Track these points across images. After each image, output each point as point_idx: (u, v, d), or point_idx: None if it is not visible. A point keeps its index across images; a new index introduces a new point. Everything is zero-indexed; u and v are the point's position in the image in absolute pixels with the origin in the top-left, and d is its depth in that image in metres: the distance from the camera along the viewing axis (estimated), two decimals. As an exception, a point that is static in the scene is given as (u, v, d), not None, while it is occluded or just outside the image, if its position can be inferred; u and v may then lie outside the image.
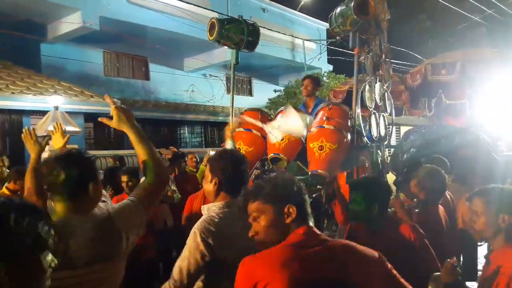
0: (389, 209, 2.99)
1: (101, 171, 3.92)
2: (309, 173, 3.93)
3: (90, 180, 1.86)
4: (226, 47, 5.03)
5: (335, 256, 1.63)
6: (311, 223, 1.73)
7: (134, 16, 12.85)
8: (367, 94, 4.38)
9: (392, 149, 6.65)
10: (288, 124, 3.86)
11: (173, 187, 5.57)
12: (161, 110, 15.04)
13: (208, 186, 2.31)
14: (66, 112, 10.27)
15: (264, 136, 4.25)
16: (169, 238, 5.22)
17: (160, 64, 16.20)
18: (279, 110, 4.46)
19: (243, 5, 15.97)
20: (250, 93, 20.51)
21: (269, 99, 17.21)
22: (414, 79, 6.72)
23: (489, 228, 2.09)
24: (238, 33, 4.67)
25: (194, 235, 2.10)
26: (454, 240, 3.48)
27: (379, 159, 4.55)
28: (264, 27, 13.38)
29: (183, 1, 12.16)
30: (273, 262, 1.57)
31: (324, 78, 17.27)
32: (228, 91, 17.62)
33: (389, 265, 1.72)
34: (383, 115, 4.68)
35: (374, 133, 4.40)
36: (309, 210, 1.76)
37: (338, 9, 4.38)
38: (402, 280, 1.74)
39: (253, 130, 4.28)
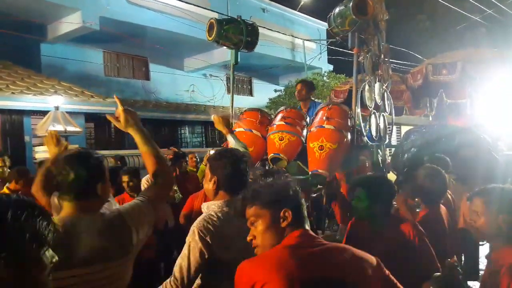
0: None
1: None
2: (310, 173, 3.94)
3: (99, 180, 1.88)
4: (226, 47, 5.03)
5: (331, 257, 1.63)
6: (307, 227, 1.74)
7: (134, 16, 12.86)
8: (366, 94, 4.39)
9: (393, 149, 6.65)
10: None
11: (174, 187, 5.57)
12: (161, 110, 15.04)
13: (208, 185, 2.33)
14: (67, 112, 10.28)
15: (264, 136, 4.26)
16: (170, 238, 5.22)
17: (160, 64, 16.20)
18: (279, 110, 4.47)
19: (243, 5, 15.97)
20: (250, 93, 20.51)
21: (270, 99, 17.21)
22: (415, 79, 6.73)
23: (490, 228, 2.09)
24: (237, 33, 4.68)
25: (193, 233, 2.12)
26: (455, 240, 3.48)
27: (380, 158, 4.56)
28: (264, 27, 13.41)
29: (183, 1, 12.16)
30: (269, 263, 1.59)
31: (325, 78, 17.28)
32: (228, 91, 17.60)
33: (387, 271, 1.71)
34: (383, 115, 4.69)
35: (374, 132, 4.41)
36: (305, 213, 1.76)
37: (337, 10, 4.39)
38: (400, 286, 1.74)
39: (253, 130, 4.29)
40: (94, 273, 1.72)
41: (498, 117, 6.85)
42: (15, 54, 11.83)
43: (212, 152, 4.49)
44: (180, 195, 5.52)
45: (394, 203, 3.28)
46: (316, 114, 4.24)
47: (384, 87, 4.74)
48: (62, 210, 1.86)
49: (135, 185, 4.71)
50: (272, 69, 19.01)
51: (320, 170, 3.78)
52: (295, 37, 17.54)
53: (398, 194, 3.56)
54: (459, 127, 6.15)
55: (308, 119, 4.43)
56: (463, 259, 4.41)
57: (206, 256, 2.08)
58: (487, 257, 2.16)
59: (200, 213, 2.33)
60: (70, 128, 9.73)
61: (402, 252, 2.54)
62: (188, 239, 2.13)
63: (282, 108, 4.50)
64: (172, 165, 6.36)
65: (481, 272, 2.80)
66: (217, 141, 16.78)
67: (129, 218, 1.88)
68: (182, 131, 16.87)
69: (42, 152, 10.15)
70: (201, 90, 17.36)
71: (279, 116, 4.29)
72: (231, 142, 3.27)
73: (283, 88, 17.66)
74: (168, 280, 2.09)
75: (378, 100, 4.57)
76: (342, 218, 3.92)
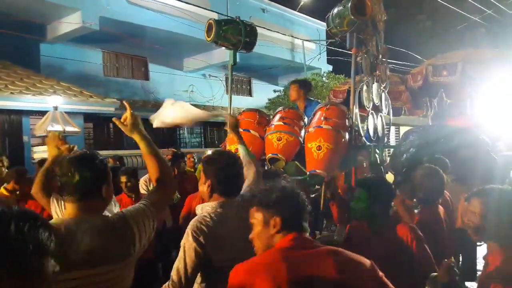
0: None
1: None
2: (307, 173, 3.93)
3: (104, 182, 1.89)
4: (224, 47, 5.03)
5: (323, 260, 1.63)
6: (304, 230, 1.74)
7: (134, 16, 12.85)
8: (364, 94, 4.39)
9: (392, 149, 6.65)
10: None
11: (173, 187, 5.56)
12: (160, 110, 15.00)
13: (202, 187, 2.35)
14: (66, 112, 10.28)
15: (262, 137, 4.25)
16: (168, 238, 5.22)
17: (159, 64, 16.20)
18: (277, 110, 4.47)
19: (243, 5, 15.97)
20: (249, 94, 20.51)
21: (269, 99, 17.21)
22: (415, 80, 6.72)
23: (487, 229, 2.08)
24: (235, 34, 4.68)
25: (187, 235, 2.13)
26: (453, 240, 3.48)
27: (378, 159, 4.55)
28: (264, 28, 13.43)
29: (182, 2, 12.15)
30: (259, 267, 1.63)
31: (324, 78, 17.28)
32: (227, 91, 17.62)
33: (381, 274, 1.70)
34: (380, 115, 4.69)
35: (372, 133, 4.41)
36: (303, 216, 1.76)
37: (335, 10, 4.39)
38: None
39: (251, 130, 4.29)
40: (96, 275, 1.72)
41: (498, 118, 6.84)
42: (14, 54, 11.83)
43: (209, 153, 4.46)
44: (179, 196, 5.51)
45: (393, 206, 3.28)
46: (314, 114, 4.24)
47: (382, 87, 4.73)
48: (66, 211, 1.86)
49: (133, 186, 4.70)
50: (271, 70, 19.01)
51: (318, 170, 3.77)
52: (295, 37, 17.54)
53: (396, 194, 3.56)
54: (458, 128, 6.14)
55: (306, 119, 4.42)
56: (461, 259, 4.42)
57: (201, 257, 2.08)
58: (484, 257, 2.16)
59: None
60: (68, 128, 9.73)
61: (401, 253, 2.54)
62: (183, 241, 2.14)
63: (280, 108, 4.50)
64: (171, 165, 6.35)
65: (479, 273, 2.80)
66: (216, 142, 16.80)
67: (133, 221, 1.89)
68: (181, 132, 16.87)
69: (41, 152, 10.16)
70: (200, 90, 17.35)
71: (277, 117, 4.29)
72: (241, 153, 3.03)
73: (283, 88, 17.65)
74: (166, 284, 2.10)
75: (376, 101, 4.57)
76: (339, 219, 3.91)
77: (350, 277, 1.61)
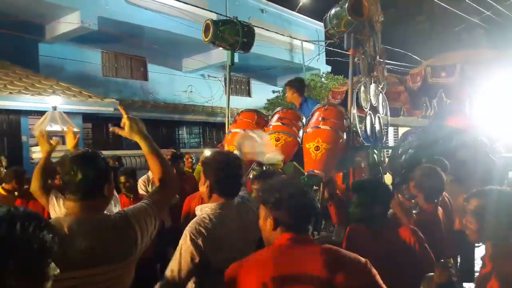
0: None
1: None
2: (305, 173, 3.93)
3: (106, 181, 1.89)
4: (222, 48, 5.02)
5: (313, 257, 1.65)
6: (303, 230, 1.75)
7: (133, 16, 12.84)
8: (362, 95, 4.39)
9: (390, 150, 6.65)
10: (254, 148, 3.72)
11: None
12: (159, 111, 15.03)
13: (202, 188, 2.35)
14: (65, 112, 10.27)
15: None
16: (167, 239, 5.21)
17: (158, 65, 16.19)
18: (275, 111, 4.47)
19: (242, 6, 15.97)
20: (248, 94, 20.52)
21: (268, 100, 17.21)
22: (414, 81, 6.74)
23: (485, 230, 2.08)
24: (233, 34, 4.67)
25: (185, 237, 2.13)
26: (451, 241, 3.48)
27: (376, 159, 4.56)
28: (263, 28, 13.44)
29: (181, 2, 12.15)
30: (250, 262, 1.70)
31: (323, 79, 17.30)
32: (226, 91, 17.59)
33: (375, 273, 1.70)
34: (378, 116, 4.69)
35: (370, 133, 4.41)
36: (303, 217, 1.76)
37: (333, 11, 4.38)
38: None
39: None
40: (97, 274, 1.71)
41: (497, 118, 6.85)
42: (13, 54, 11.82)
43: (207, 152, 4.45)
44: (177, 196, 5.51)
45: (391, 209, 3.28)
46: (312, 115, 4.24)
47: (379, 88, 4.74)
48: (68, 210, 1.86)
49: (132, 186, 4.70)
50: (270, 70, 19.01)
51: (316, 171, 3.77)
52: (294, 38, 17.54)
53: (394, 196, 3.56)
54: (457, 129, 6.15)
55: (304, 119, 4.42)
56: (459, 260, 4.42)
57: (197, 260, 2.08)
58: (482, 258, 2.16)
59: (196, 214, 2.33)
60: (68, 126, 9.70)
61: (401, 255, 2.54)
62: (181, 242, 2.13)
63: (278, 108, 4.49)
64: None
65: (477, 274, 2.81)
66: (215, 142, 16.79)
67: (134, 220, 1.89)
68: (180, 132, 16.87)
69: (39, 152, 10.14)
70: (199, 90, 17.35)
71: (276, 117, 4.29)
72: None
73: (281, 89, 17.64)
74: (160, 283, 2.11)
75: (374, 101, 4.57)
76: (338, 219, 3.91)
77: (339, 276, 1.61)
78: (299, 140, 4.17)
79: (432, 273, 2.26)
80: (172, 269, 2.09)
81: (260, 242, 1.99)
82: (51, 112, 9.78)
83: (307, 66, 17.68)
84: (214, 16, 11.28)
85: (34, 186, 2.88)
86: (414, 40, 20.79)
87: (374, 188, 2.78)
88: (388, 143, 10.26)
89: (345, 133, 4.12)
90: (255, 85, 20.45)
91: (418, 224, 2.96)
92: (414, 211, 3.43)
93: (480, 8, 15.40)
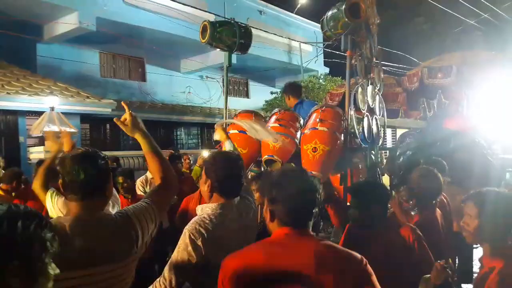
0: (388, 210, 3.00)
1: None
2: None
3: (107, 180, 1.90)
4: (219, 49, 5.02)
5: (303, 254, 1.63)
6: (302, 226, 1.73)
7: (131, 17, 12.84)
8: (359, 97, 4.40)
9: (388, 151, 6.67)
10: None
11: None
12: (157, 112, 15.02)
13: (203, 187, 2.34)
14: (62, 112, 10.25)
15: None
16: (165, 239, 5.21)
17: (156, 66, 16.18)
18: (273, 112, 4.47)
19: (240, 7, 15.98)
20: (246, 95, 20.53)
21: (266, 101, 17.21)
22: (411, 82, 6.74)
23: (482, 231, 2.09)
24: (230, 35, 4.66)
25: (184, 235, 2.13)
26: (450, 242, 3.49)
27: (373, 161, 4.57)
28: (261, 29, 13.45)
29: (180, 3, 12.15)
30: (243, 253, 1.71)
31: (321, 81, 17.31)
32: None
33: (370, 272, 1.68)
34: (375, 117, 4.70)
35: (367, 135, 4.42)
36: (302, 213, 1.74)
37: (330, 13, 4.39)
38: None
39: (247, 132, 4.28)
40: (97, 274, 1.71)
41: (494, 120, 6.86)
42: (10, 54, 11.81)
43: (205, 153, 4.44)
44: (175, 196, 5.50)
45: (390, 207, 3.29)
46: (310, 116, 4.24)
47: (376, 89, 4.75)
48: (69, 209, 1.86)
49: (130, 186, 4.70)
50: (268, 71, 19.02)
51: (313, 172, 3.77)
52: (292, 39, 17.57)
53: (393, 197, 3.57)
54: (454, 130, 6.17)
55: (301, 121, 4.43)
56: (457, 261, 4.43)
57: (194, 261, 2.08)
58: (480, 259, 2.17)
59: (195, 214, 2.33)
60: (65, 129, 9.69)
61: (400, 255, 2.54)
62: (180, 241, 2.13)
63: (276, 110, 4.50)
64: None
65: (475, 275, 2.82)
66: (213, 143, 16.77)
67: (135, 219, 1.89)
68: (178, 133, 16.87)
69: (37, 153, 10.13)
70: (197, 91, 17.35)
71: (273, 118, 4.29)
72: (228, 147, 3.17)
73: (280, 90, 17.65)
74: (158, 280, 2.11)
75: (371, 103, 4.59)
76: (336, 220, 3.91)
77: (328, 273, 1.60)
78: (297, 141, 4.17)
79: (429, 275, 2.27)
80: (170, 267, 2.09)
81: (258, 239, 1.99)
82: (49, 113, 9.76)
83: (305, 68, 17.70)
84: (212, 17, 11.29)
85: (36, 184, 2.89)
86: (412, 42, 20.84)
87: (372, 189, 2.78)
88: (386, 144, 10.28)
89: (342, 135, 4.13)
90: (253, 86, 20.46)
91: (416, 226, 2.96)
92: (412, 212, 3.43)
93: (478, 11, 15.45)
